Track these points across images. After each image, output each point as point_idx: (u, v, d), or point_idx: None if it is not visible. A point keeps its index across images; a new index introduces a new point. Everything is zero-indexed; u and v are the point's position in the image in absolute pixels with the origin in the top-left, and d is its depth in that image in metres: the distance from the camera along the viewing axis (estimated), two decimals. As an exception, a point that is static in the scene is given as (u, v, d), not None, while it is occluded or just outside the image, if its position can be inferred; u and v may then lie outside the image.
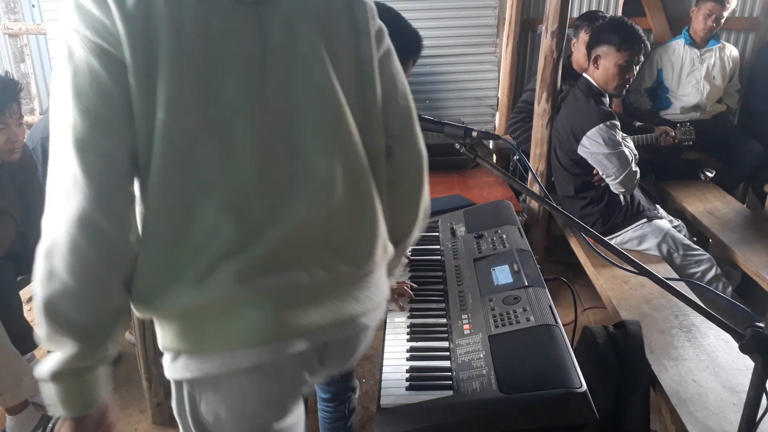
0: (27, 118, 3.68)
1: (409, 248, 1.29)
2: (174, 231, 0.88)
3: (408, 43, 1.46)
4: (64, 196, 0.82)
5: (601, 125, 2.49)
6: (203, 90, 0.86)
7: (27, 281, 2.53)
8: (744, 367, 1.70)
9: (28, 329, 2.36)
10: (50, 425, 2.16)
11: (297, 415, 1.07)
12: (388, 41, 1.06)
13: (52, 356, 0.86)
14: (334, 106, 0.95)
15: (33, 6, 3.74)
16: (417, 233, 1.18)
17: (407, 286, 1.65)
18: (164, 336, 0.94)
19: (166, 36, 0.83)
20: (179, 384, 0.97)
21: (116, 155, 0.83)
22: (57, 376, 0.85)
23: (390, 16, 1.44)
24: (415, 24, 1.49)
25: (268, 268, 0.90)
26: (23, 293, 2.52)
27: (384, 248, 1.05)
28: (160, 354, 0.99)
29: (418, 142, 1.10)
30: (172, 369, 0.95)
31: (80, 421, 0.88)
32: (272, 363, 0.91)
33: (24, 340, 2.26)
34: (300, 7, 0.93)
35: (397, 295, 1.62)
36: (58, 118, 0.83)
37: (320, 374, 1.05)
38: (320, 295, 0.95)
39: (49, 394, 0.87)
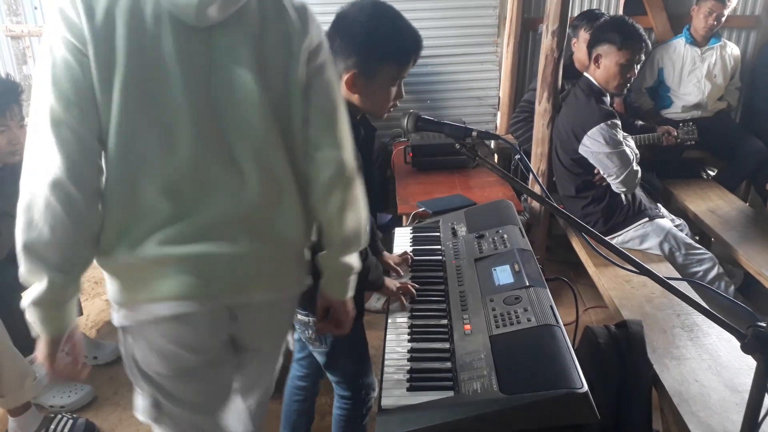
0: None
1: (357, 260, 1.34)
2: (123, 203, 1.09)
3: (407, 43, 1.45)
4: (42, 165, 1.02)
5: (602, 124, 2.49)
6: (153, 97, 1.05)
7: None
8: (746, 366, 1.69)
9: (30, 331, 2.36)
10: (52, 426, 2.16)
11: (224, 373, 1.28)
12: (322, 57, 1.20)
13: (33, 287, 1.06)
14: (261, 118, 1.13)
15: (35, 8, 3.74)
16: (349, 235, 1.26)
17: (410, 286, 1.65)
18: (110, 290, 1.17)
19: (124, 50, 1.02)
20: (122, 330, 1.20)
21: (84, 133, 1.03)
22: (38, 304, 1.07)
23: (390, 17, 1.44)
24: (415, 24, 1.49)
25: (192, 242, 1.11)
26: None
27: (301, 238, 1.24)
28: None
29: (335, 150, 1.21)
30: (116, 318, 1.18)
31: (55, 339, 1.12)
32: (187, 315, 1.13)
33: (26, 342, 2.27)
34: (243, 33, 1.11)
35: (401, 292, 1.63)
36: (38, 102, 1.02)
37: (241, 336, 1.25)
38: (233, 268, 1.15)
39: (31, 318, 1.10)
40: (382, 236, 1.82)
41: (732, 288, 2.57)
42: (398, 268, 1.78)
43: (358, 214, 1.27)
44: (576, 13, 3.55)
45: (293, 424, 1.88)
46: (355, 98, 1.48)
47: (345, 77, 1.44)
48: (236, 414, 1.45)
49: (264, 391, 1.46)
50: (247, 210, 1.15)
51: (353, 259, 1.32)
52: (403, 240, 2.00)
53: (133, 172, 1.07)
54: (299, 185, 1.21)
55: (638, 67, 2.54)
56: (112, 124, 1.04)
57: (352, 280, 1.35)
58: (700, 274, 2.56)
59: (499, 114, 3.97)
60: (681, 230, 2.72)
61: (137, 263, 1.10)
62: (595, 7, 3.70)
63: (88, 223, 1.06)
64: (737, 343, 1.04)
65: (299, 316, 1.60)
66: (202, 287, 1.13)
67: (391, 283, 1.64)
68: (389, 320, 1.56)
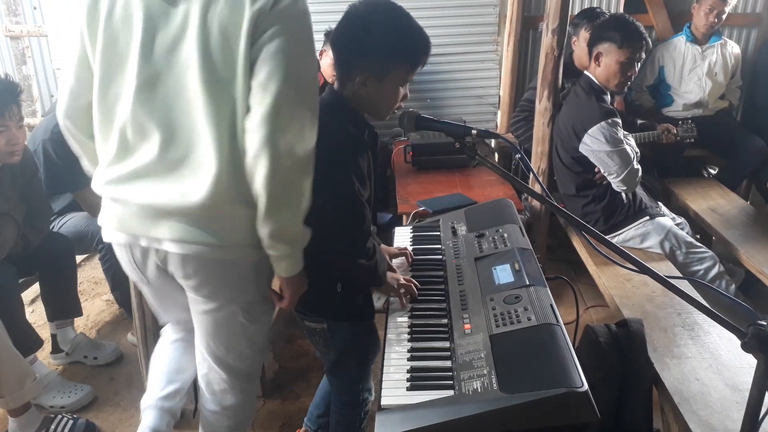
0: (29, 120, 3.67)
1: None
2: (101, 137, 1.39)
3: (419, 45, 1.45)
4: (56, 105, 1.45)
5: (603, 123, 2.49)
6: (120, 55, 1.31)
7: (29, 283, 2.53)
8: (747, 365, 1.69)
9: (30, 331, 2.36)
10: (53, 427, 2.16)
11: (168, 296, 1.56)
12: (274, 32, 1.23)
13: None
14: (198, 83, 1.26)
15: (35, 8, 3.74)
16: (273, 216, 1.29)
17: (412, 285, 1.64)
18: None
19: (102, 19, 1.30)
20: None
21: (74, 86, 1.40)
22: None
23: (402, 18, 1.43)
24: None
25: (123, 184, 1.36)
26: (25, 295, 2.53)
27: (225, 204, 1.31)
28: None
29: (264, 125, 1.23)
30: None
31: None
32: (117, 244, 1.45)
33: (26, 342, 2.27)
34: (197, 4, 1.25)
35: (403, 291, 1.60)
36: None
37: (177, 278, 1.43)
38: (145, 215, 1.35)
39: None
40: (376, 230, 1.81)
41: (733, 287, 2.57)
42: (393, 266, 1.76)
43: (292, 199, 1.29)
44: (576, 11, 3.54)
45: (329, 404, 1.88)
46: (363, 98, 1.47)
47: (358, 78, 1.44)
48: (206, 375, 1.59)
49: (223, 348, 1.51)
50: (171, 164, 1.31)
51: (284, 246, 1.34)
52: (403, 239, 2.00)
53: (110, 112, 1.34)
54: (238, 152, 1.28)
55: (639, 65, 2.53)
56: (96, 77, 1.34)
57: (293, 259, 1.38)
58: (701, 272, 2.56)
59: (499, 113, 3.97)
60: (682, 229, 2.71)
61: (99, 191, 1.42)
62: (595, 6, 3.69)
63: (85, 146, 1.48)
64: (738, 342, 1.04)
65: (307, 323, 1.59)
66: (122, 224, 1.39)
67: (393, 279, 1.61)
68: (389, 319, 1.55)
